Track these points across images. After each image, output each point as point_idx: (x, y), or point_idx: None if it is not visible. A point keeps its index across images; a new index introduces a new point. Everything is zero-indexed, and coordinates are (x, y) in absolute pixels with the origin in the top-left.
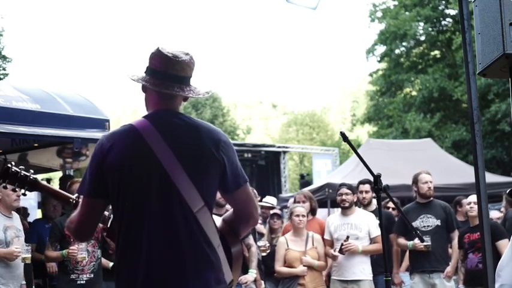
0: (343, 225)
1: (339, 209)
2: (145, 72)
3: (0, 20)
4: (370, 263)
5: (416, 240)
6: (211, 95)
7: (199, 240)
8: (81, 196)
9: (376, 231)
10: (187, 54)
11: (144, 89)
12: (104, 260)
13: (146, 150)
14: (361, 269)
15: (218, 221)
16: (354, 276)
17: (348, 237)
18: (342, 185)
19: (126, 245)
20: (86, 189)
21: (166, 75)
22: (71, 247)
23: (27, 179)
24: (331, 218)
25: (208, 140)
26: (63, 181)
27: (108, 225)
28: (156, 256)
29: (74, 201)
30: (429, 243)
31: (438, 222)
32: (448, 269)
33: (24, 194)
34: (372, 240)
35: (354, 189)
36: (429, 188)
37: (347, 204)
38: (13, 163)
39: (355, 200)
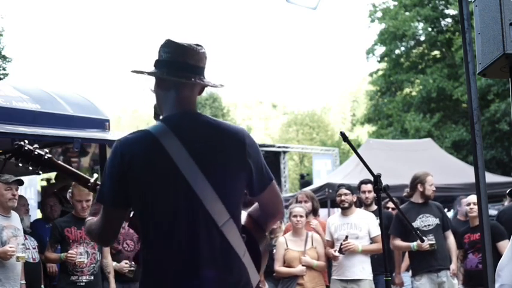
0: (343, 225)
1: (339, 210)
2: (156, 67)
3: (0, 20)
4: (371, 263)
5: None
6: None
7: (224, 255)
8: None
9: (376, 231)
10: (198, 45)
11: (158, 84)
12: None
13: (168, 163)
14: (361, 269)
15: (244, 216)
16: (354, 276)
17: (346, 237)
18: (340, 185)
19: (151, 263)
20: (107, 199)
21: (189, 65)
22: (70, 251)
23: (42, 158)
24: (331, 218)
25: (233, 147)
26: (59, 178)
27: (130, 216)
28: (181, 275)
29: (92, 185)
30: (434, 241)
31: (437, 221)
32: (453, 266)
33: (38, 173)
34: (372, 240)
35: (352, 189)
36: (434, 190)
37: (346, 205)
38: (26, 141)
39: (354, 200)
